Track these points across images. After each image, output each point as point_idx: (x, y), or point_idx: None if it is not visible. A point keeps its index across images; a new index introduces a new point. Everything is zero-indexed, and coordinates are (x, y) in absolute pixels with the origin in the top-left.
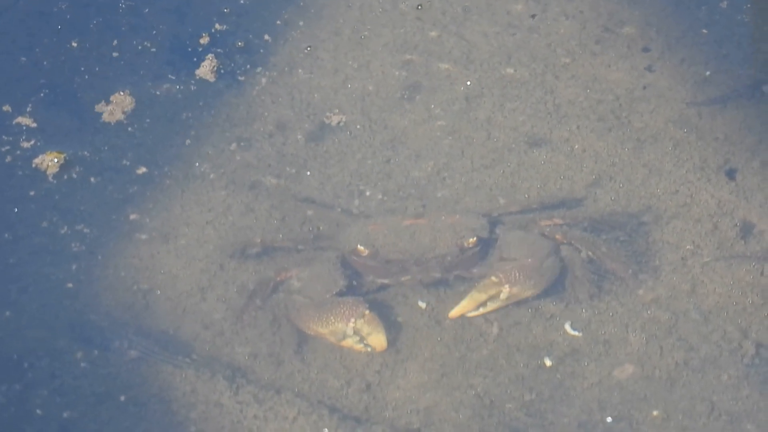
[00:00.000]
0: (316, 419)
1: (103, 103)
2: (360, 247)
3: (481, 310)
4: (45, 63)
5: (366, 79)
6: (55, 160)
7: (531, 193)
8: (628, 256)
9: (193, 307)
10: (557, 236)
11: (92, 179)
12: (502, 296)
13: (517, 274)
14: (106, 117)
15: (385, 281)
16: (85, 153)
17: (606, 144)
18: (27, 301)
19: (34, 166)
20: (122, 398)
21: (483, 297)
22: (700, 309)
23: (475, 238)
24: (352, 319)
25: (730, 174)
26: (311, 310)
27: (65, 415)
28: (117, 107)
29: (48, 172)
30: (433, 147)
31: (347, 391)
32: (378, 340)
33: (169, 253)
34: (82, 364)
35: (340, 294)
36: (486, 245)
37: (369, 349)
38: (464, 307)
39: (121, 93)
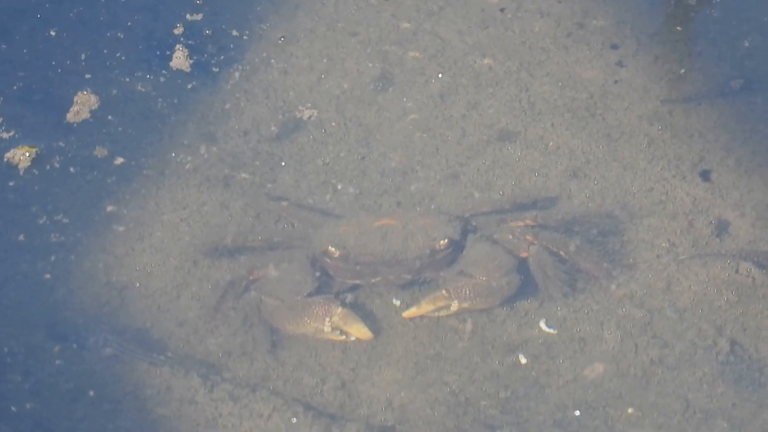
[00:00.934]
0: (291, 416)
1: (73, 98)
2: (331, 249)
3: (436, 314)
4: (18, 56)
5: (340, 75)
6: (27, 154)
7: (505, 190)
8: (601, 255)
9: (167, 304)
10: (528, 237)
11: (67, 172)
12: (452, 308)
13: (468, 292)
14: (74, 113)
15: (356, 282)
16: (59, 146)
17: (580, 141)
18: (1, 298)
19: (5, 160)
20: (97, 395)
21: (431, 308)
22: (675, 306)
23: (446, 240)
24: (327, 318)
25: (705, 175)
26: (284, 312)
27: (40, 412)
28: (84, 107)
29: (20, 167)
30: (407, 143)
31: (322, 389)
32: (360, 331)
33: (143, 251)
34: (57, 362)
35: (311, 294)
36: (457, 247)
37: (353, 338)
38: (416, 312)
39: (85, 91)
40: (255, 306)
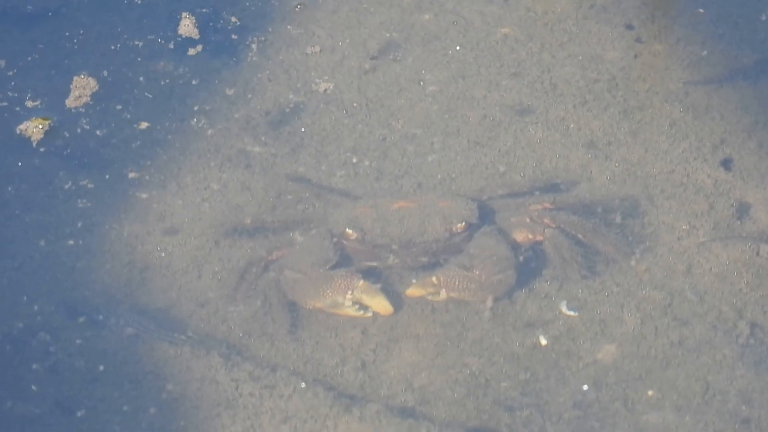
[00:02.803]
0: (311, 397)
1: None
2: (348, 231)
3: (429, 298)
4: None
5: (359, 54)
6: (40, 126)
7: (526, 171)
8: (619, 237)
9: (188, 284)
10: (546, 220)
11: (84, 147)
12: (440, 296)
13: (457, 283)
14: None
15: (373, 264)
16: (70, 120)
17: (602, 122)
18: (22, 278)
19: (18, 132)
20: (117, 375)
21: (422, 292)
22: (696, 289)
23: (464, 224)
24: (348, 292)
25: (726, 164)
26: (305, 285)
27: (60, 392)
28: (84, 89)
29: (32, 139)
30: (427, 124)
31: (342, 370)
32: (381, 305)
33: (164, 231)
34: (78, 341)
35: (333, 268)
36: (475, 230)
37: (370, 315)
38: (409, 293)
39: (82, 75)
40: (274, 286)
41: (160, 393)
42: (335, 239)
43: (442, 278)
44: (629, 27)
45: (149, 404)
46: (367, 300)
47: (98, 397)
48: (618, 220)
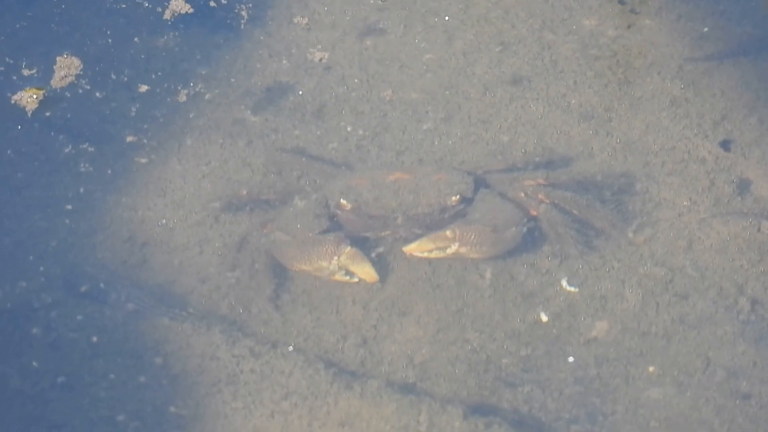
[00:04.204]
0: (312, 373)
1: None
2: (343, 201)
3: (426, 255)
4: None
5: (364, 35)
6: (34, 96)
7: (527, 147)
8: (614, 213)
9: (189, 260)
10: (540, 195)
11: (82, 116)
12: (449, 251)
13: (472, 237)
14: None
15: (367, 235)
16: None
17: (602, 99)
18: (23, 254)
19: (12, 102)
20: (118, 351)
21: (431, 246)
22: (697, 265)
23: (458, 197)
24: (335, 257)
25: (725, 145)
26: (294, 247)
27: (61, 367)
28: (70, 70)
29: (27, 109)
30: (429, 100)
31: (343, 346)
32: (366, 273)
33: (165, 206)
34: (79, 317)
35: (323, 233)
36: (468, 204)
37: (356, 281)
38: (415, 248)
39: (66, 55)
40: (263, 253)
41: (161, 369)
42: (330, 209)
43: (458, 231)
44: (621, 2)
45: (150, 380)
46: (353, 267)
47: (99, 373)
48: (615, 196)
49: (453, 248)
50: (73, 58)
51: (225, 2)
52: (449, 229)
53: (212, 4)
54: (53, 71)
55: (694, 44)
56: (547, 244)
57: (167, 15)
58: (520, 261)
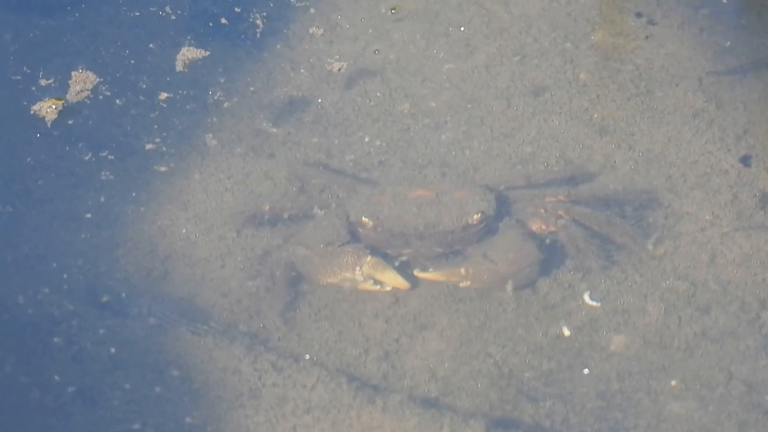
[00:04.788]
0: (335, 387)
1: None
2: (364, 219)
3: (443, 281)
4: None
5: (384, 45)
6: (53, 106)
7: (550, 161)
8: (635, 229)
9: (211, 273)
10: (560, 212)
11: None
12: (462, 285)
13: (485, 277)
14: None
15: (388, 252)
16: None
17: (625, 113)
18: (45, 267)
19: (32, 113)
20: (140, 365)
21: (443, 279)
22: (719, 279)
23: (479, 215)
24: (357, 267)
25: (745, 161)
26: (315, 261)
27: (83, 380)
28: (84, 83)
29: (46, 119)
30: (452, 115)
31: (365, 360)
32: (394, 279)
33: (187, 220)
34: (101, 331)
35: (343, 245)
36: (490, 222)
37: (388, 288)
38: (428, 276)
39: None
40: (283, 265)
41: (183, 383)
42: (351, 225)
43: (471, 271)
44: (638, 15)
45: (172, 394)
46: (378, 275)
47: (121, 387)
48: (636, 211)
49: (464, 284)
50: (88, 72)
51: (245, 16)
52: (463, 267)
53: (232, 17)
54: (69, 85)
55: (716, 58)
56: (569, 259)
57: (186, 32)
58: (543, 275)
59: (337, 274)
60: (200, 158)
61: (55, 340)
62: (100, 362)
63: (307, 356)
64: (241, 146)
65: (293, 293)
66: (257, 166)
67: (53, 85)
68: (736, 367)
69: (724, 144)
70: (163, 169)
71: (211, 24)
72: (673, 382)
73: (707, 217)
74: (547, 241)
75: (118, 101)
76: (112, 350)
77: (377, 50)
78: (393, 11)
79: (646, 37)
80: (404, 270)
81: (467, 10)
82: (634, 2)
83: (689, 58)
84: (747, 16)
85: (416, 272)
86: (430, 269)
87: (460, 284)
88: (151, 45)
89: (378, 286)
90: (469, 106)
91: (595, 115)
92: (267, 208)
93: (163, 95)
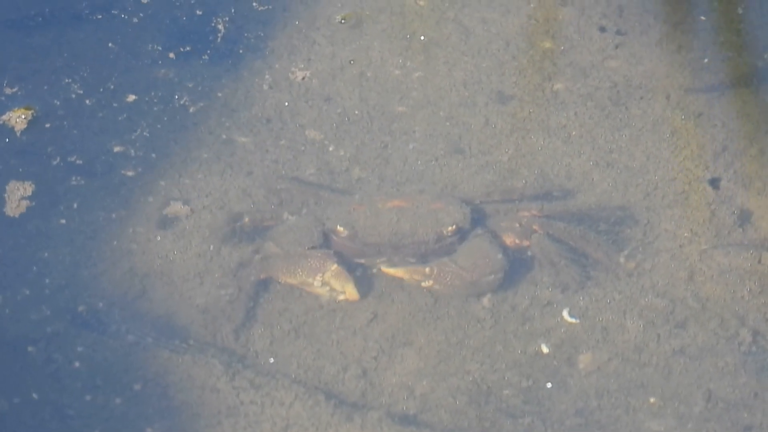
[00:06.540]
0: (313, 405)
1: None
2: (339, 228)
3: (407, 280)
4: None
5: (364, 66)
6: (23, 116)
7: (528, 178)
8: (609, 244)
9: (189, 291)
10: (534, 226)
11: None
12: (424, 284)
13: (448, 279)
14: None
15: (361, 261)
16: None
17: (603, 130)
18: (23, 285)
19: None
20: (118, 383)
21: (407, 276)
22: (698, 296)
23: (454, 227)
24: (319, 274)
25: (714, 183)
26: (281, 260)
27: (60, 398)
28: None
29: (16, 129)
30: (429, 131)
31: (344, 377)
32: (349, 292)
33: (165, 238)
34: (79, 349)
35: (312, 249)
36: (464, 234)
37: (342, 298)
38: (392, 272)
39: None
40: (251, 279)
41: (161, 400)
42: (326, 232)
43: (436, 270)
44: (602, 29)
45: (150, 412)
46: (336, 285)
47: (98, 405)
48: (612, 226)
49: (427, 284)
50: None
51: (226, 34)
52: (428, 266)
53: (212, 37)
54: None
55: (694, 75)
56: (548, 275)
57: (166, 50)
58: (521, 292)
59: (298, 276)
60: (177, 176)
61: (33, 358)
62: (78, 380)
63: (271, 359)
64: (219, 164)
65: (253, 309)
66: (235, 184)
67: (19, 93)
68: (714, 385)
69: (702, 161)
70: (141, 191)
71: (175, 29)
72: (652, 400)
73: (685, 234)
74: (529, 253)
75: (94, 121)
76: (90, 368)
77: (356, 69)
78: (343, 21)
79: (616, 47)
80: (370, 281)
81: (445, 28)
82: (631, 23)
83: (667, 76)
84: (725, 33)
85: (382, 267)
86: (394, 267)
87: (423, 284)
88: (131, 62)
89: (328, 291)
90: (448, 123)
91: (574, 133)
92: (246, 220)
93: (141, 114)
